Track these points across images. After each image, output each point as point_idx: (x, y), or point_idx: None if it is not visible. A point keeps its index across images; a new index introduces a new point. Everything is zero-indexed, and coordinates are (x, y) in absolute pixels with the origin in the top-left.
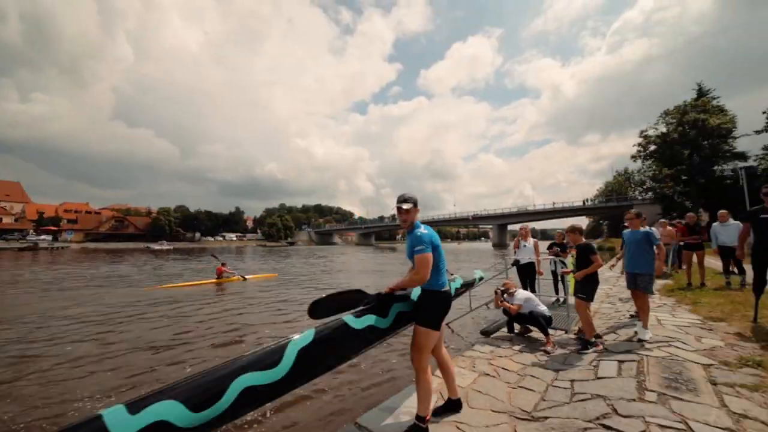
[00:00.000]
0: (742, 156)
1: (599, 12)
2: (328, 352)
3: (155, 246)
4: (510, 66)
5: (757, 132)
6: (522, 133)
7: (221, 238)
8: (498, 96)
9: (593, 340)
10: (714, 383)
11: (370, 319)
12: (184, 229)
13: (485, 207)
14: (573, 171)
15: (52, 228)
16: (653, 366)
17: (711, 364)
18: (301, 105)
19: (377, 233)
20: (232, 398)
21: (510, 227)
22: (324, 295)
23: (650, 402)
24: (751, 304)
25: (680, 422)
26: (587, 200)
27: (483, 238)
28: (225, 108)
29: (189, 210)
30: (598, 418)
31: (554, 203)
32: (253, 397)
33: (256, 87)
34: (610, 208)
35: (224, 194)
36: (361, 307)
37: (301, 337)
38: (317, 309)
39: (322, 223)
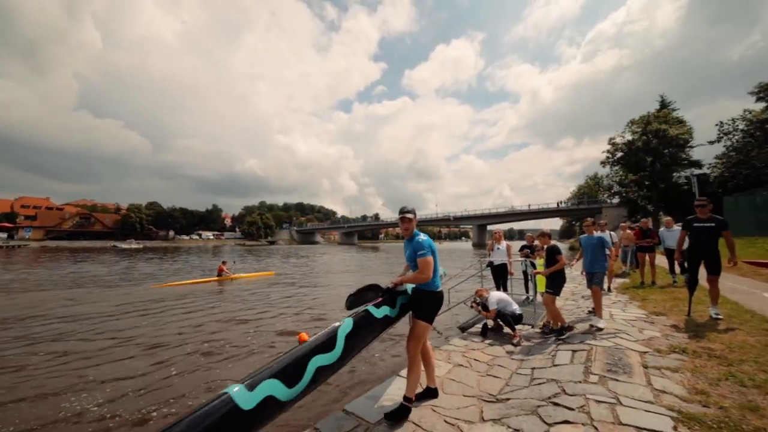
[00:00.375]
0: (698, 164)
1: (575, 22)
2: (361, 335)
3: (123, 245)
4: (491, 70)
5: (711, 142)
6: (502, 135)
7: (197, 237)
8: (480, 99)
9: (567, 325)
10: (645, 367)
11: (385, 310)
12: (157, 227)
13: (466, 207)
14: (549, 173)
15: (7, 225)
16: (600, 354)
17: (646, 352)
18: (285, 100)
19: (360, 233)
20: (311, 375)
21: (489, 227)
22: (354, 291)
23: (592, 383)
24: (695, 300)
25: (613, 398)
26: (561, 202)
27: (464, 238)
28: (202, 101)
29: (162, 207)
30: (549, 398)
31: (530, 205)
32: (322, 374)
33: (237, 80)
34: (582, 210)
35: (201, 191)
36: (378, 300)
37: (344, 325)
38: (351, 301)
39: (304, 222)
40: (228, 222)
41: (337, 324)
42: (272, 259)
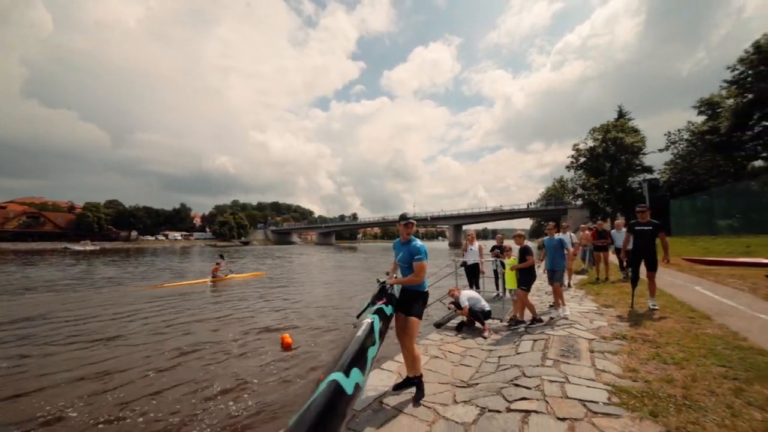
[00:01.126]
0: (649, 170)
1: (545, 32)
2: (383, 330)
3: (77, 246)
4: (467, 74)
5: (660, 150)
6: (477, 138)
7: (163, 238)
8: (456, 102)
9: (538, 317)
10: (592, 351)
11: (390, 309)
12: (117, 227)
13: (443, 208)
14: (521, 176)
15: None
16: (555, 342)
17: (594, 339)
18: (259, 96)
19: (338, 233)
20: (370, 364)
21: (464, 227)
22: (375, 293)
23: (548, 366)
24: (637, 294)
25: (563, 378)
26: (531, 204)
27: (440, 238)
28: (169, 93)
29: (123, 205)
30: (512, 380)
31: (501, 206)
32: (372, 363)
33: (207, 72)
34: (549, 211)
35: (167, 189)
36: (383, 300)
37: (375, 320)
38: (373, 299)
39: (280, 222)
40: (197, 222)
41: (369, 320)
42: (245, 260)
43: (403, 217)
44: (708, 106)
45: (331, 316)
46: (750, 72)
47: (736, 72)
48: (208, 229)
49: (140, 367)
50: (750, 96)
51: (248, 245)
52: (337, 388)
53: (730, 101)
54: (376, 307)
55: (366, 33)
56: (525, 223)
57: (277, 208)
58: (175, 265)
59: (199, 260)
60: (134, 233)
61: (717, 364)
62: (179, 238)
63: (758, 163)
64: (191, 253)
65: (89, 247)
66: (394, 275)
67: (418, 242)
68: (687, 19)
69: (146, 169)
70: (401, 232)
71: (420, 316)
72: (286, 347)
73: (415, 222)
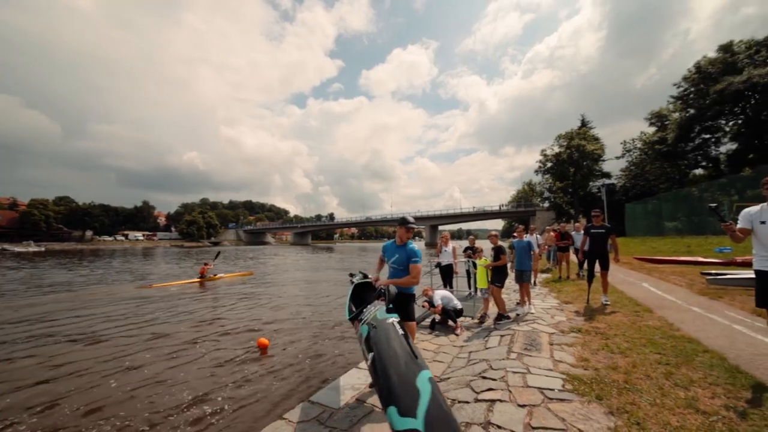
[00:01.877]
0: (608, 175)
1: (517, 42)
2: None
3: (17, 248)
4: (444, 78)
5: (617, 158)
6: (453, 141)
7: (122, 238)
8: (433, 104)
9: (506, 314)
10: (551, 344)
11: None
12: (69, 226)
13: (419, 208)
14: (494, 178)
15: None
16: (520, 337)
17: (554, 333)
18: (231, 90)
19: (314, 233)
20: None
21: (440, 228)
22: (374, 294)
23: (512, 359)
24: (592, 291)
25: (525, 369)
26: (502, 205)
27: (417, 238)
28: (131, 82)
29: (76, 202)
30: (480, 373)
31: (474, 207)
32: None
33: (174, 63)
34: (520, 213)
35: (128, 185)
36: (383, 300)
37: (396, 317)
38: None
39: (253, 221)
40: (162, 221)
41: (395, 319)
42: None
43: (406, 220)
44: (658, 119)
45: (306, 317)
46: (692, 89)
47: (681, 89)
48: (173, 229)
49: (105, 370)
50: (692, 111)
51: (218, 245)
52: (434, 379)
53: (676, 115)
54: (382, 307)
55: (344, 31)
56: (497, 224)
57: (251, 207)
58: (137, 267)
59: (163, 262)
60: (89, 233)
61: (654, 351)
62: (141, 238)
63: (698, 171)
64: (155, 254)
65: (32, 249)
66: (378, 275)
67: (415, 245)
68: (642, 37)
69: (103, 163)
70: (401, 235)
71: (415, 318)
72: (262, 350)
73: (415, 226)
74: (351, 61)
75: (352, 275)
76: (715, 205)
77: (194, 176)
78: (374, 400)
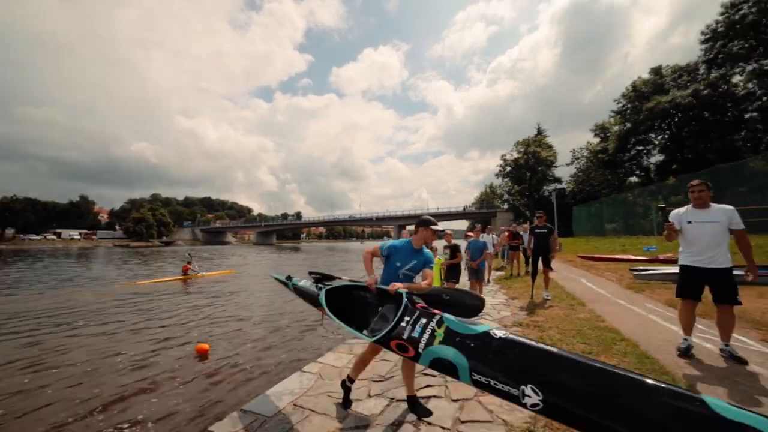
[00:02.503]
0: (559, 180)
1: (482, 51)
2: None
3: None
4: (414, 81)
5: (567, 164)
6: (422, 143)
7: (54, 237)
8: (404, 106)
9: None
10: None
11: None
12: None
13: (388, 208)
14: (459, 180)
15: None
16: None
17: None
18: (190, 79)
19: (279, 232)
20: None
21: (408, 227)
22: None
23: None
24: (536, 286)
25: None
26: (466, 207)
27: (386, 237)
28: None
29: None
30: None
31: (438, 207)
32: None
33: (122, 44)
34: (482, 214)
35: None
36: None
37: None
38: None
39: (212, 219)
40: (104, 218)
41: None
42: (153, 266)
43: (430, 221)
44: (601, 130)
45: (256, 321)
46: (629, 105)
47: (620, 104)
48: (118, 227)
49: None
50: (628, 125)
51: (171, 245)
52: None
53: (616, 127)
54: (446, 315)
55: (315, 26)
56: (462, 224)
57: (210, 204)
58: (67, 270)
59: (101, 265)
60: (10, 231)
61: (581, 342)
62: (77, 237)
63: (633, 179)
64: (94, 255)
65: None
66: (373, 276)
67: (427, 249)
68: (590, 57)
69: (31, 151)
70: (425, 238)
71: None
72: (201, 356)
73: (441, 230)
74: (321, 57)
75: (316, 280)
76: (663, 206)
77: (144, 169)
78: (313, 403)
